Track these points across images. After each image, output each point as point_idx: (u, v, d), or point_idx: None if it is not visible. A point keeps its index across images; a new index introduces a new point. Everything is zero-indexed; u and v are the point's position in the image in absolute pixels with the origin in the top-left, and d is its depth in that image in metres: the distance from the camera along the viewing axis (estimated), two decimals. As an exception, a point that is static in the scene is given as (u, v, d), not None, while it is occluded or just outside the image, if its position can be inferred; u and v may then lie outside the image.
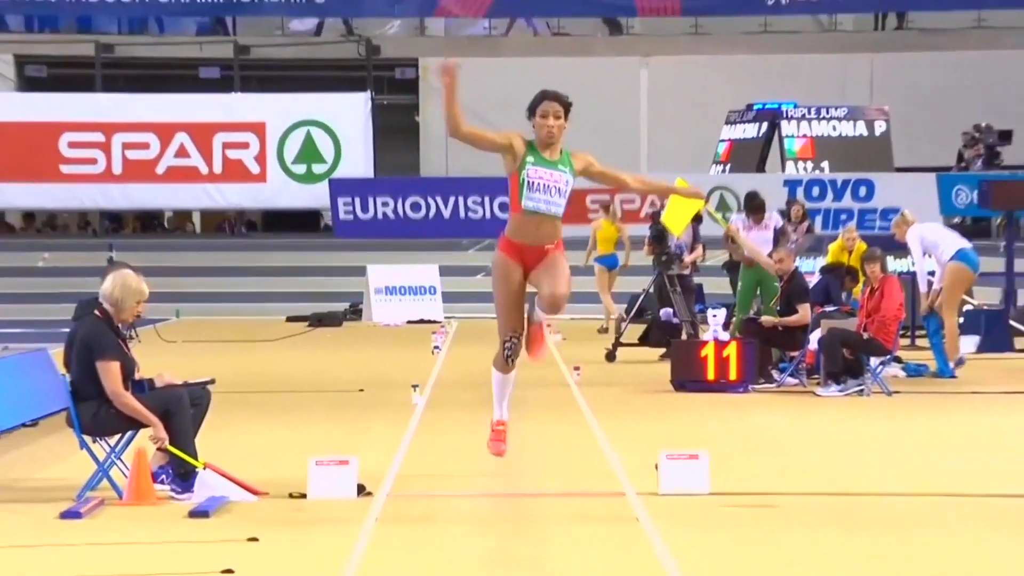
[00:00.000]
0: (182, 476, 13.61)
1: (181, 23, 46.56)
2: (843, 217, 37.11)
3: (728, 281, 29.12)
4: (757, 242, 26.49)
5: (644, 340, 27.99)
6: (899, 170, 39.44)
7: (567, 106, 12.57)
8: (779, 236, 26.64)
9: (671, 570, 10.58)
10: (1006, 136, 40.83)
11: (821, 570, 10.84)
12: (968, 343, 26.07)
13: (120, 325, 13.93)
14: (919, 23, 45.47)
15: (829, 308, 23.51)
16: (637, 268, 31.61)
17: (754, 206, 27.13)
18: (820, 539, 11.91)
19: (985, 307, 28.99)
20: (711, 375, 21.80)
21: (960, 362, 24.06)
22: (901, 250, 28.17)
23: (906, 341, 25.79)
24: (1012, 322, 28.78)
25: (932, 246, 24.64)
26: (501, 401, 13.17)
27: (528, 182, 12.36)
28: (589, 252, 32.85)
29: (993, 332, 27.96)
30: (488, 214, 39.50)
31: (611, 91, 44.31)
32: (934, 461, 16.24)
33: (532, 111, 12.56)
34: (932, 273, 24.95)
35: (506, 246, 12.70)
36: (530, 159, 12.40)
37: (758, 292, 24.36)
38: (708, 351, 21.96)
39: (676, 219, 25.66)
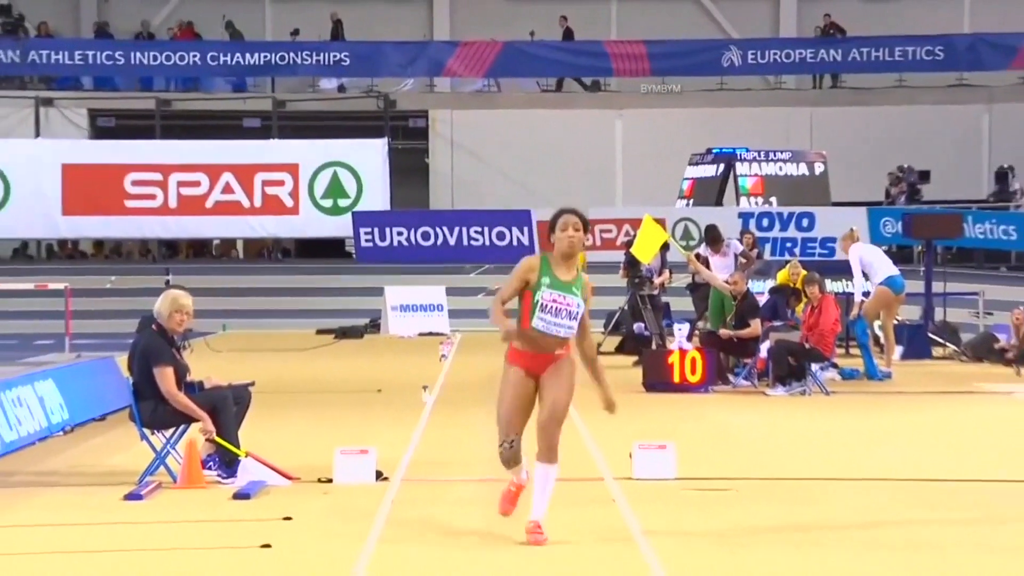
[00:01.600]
0: (227, 463, 13.64)
1: (227, 82, 46.61)
2: (788, 244, 37.12)
3: (691, 300, 29.13)
4: (719, 268, 26.73)
5: (620, 349, 28.08)
6: (835, 204, 39.40)
7: (585, 221, 11.12)
8: (739, 261, 26.85)
9: (643, 543, 10.55)
10: (925, 176, 40.90)
11: (771, 544, 10.80)
12: (895, 352, 26.09)
13: (175, 336, 14.04)
14: (851, 83, 45.60)
15: (777, 323, 23.48)
16: (613, 289, 31.59)
17: (711, 237, 27.75)
18: (770, 517, 11.87)
19: (908, 322, 28.97)
20: (677, 378, 21.83)
21: (887, 375, 24.07)
22: (837, 274, 28.23)
23: (841, 350, 25.72)
24: (930, 334, 28.77)
25: (868, 266, 25.05)
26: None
27: (541, 303, 10.79)
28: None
29: (915, 342, 27.97)
30: (488, 242, 39.50)
31: (591, 138, 44.35)
32: (865, 450, 16.22)
33: (552, 227, 11.11)
34: (867, 294, 25.16)
35: (515, 356, 11.09)
36: (545, 280, 10.86)
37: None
38: (674, 358, 22.00)
39: (644, 250, 25.91)
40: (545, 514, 10.87)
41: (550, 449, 10.94)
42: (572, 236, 10.93)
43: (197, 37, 46.23)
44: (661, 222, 36.69)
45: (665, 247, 26.70)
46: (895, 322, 26.79)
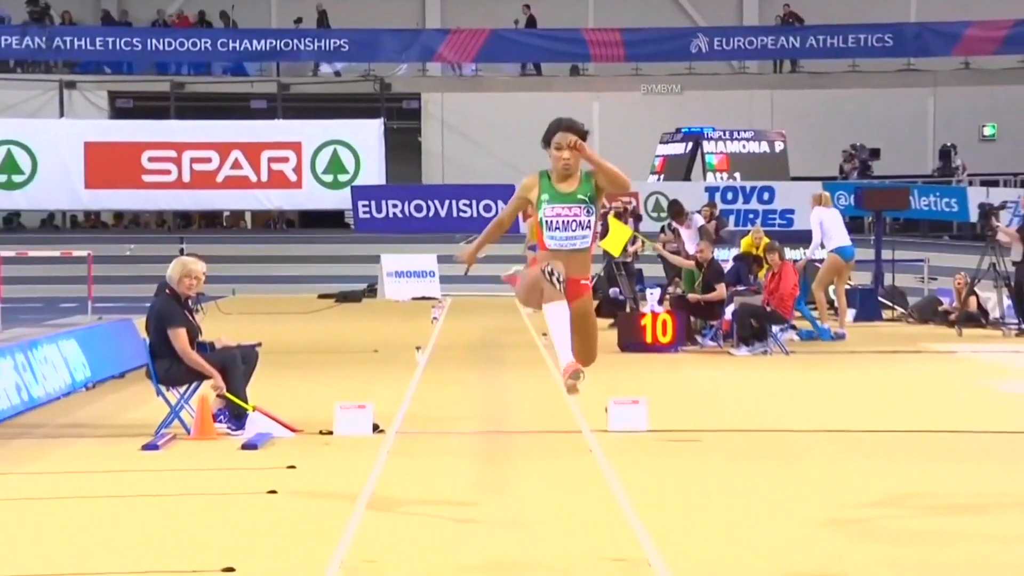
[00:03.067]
0: (236, 417, 13.63)
1: (236, 67, 46.52)
2: (751, 216, 37.12)
3: (662, 267, 29.12)
4: (688, 238, 26.85)
5: (597, 313, 27.93)
6: (794, 179, 39.42)
7: (583, 135, 9.61)
8: (703, 231, 26.93)
9: (617, 490, 10.54)
10: (875, 153, 40.95)
11: (734, 489, 10.81)
12: (848, 315, 26.11)
13: (188, 300, 14.05)
14: (808, 68, 45.60)
15: (740, 288, 23.49)
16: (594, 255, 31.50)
17: (675, 212, 27.94)
18: (734, 465, 11.89)
19: (859, 287, 28.99)
20: (649, 339, 21.83)
21: (841, 336, 24.10)
22: (795, 242, 28.25)
23: (798, 313, 25.74)
24: (880, 298, 28.80)
25: (825, 232, 25.13)
26: (564, 343, 9.61)
27: (546, 222, 9.51)
28: (528, 242, 32.86)
29: (866, 306, 27.98)
30: (475, 214, 39.52)
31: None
32: (823, 404, 16.24)
33: (547, 141, 9.64)
34: (820, 261, 25.27)
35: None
36: (545, 197, 9.54)
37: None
38: (647, 320, 21.99)
39: (613, 246, 25.95)
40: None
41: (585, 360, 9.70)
42: (567, 157, 9.50)
43: (196, 24, 46.11)
44: (634, 195, 36.97)
45: (638, 217, 26.75)
46: (847, 287, 26.82)
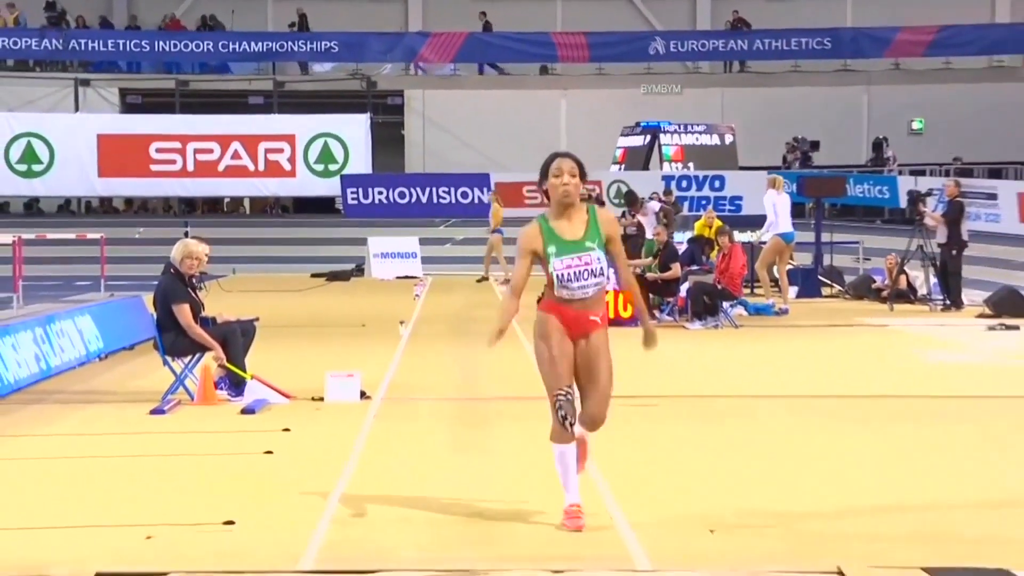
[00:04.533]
0: (236, 385, 13.61)
1: (237, 66, 46.36)
2: (703, 202, 37.12)
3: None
4: (645, 224, 26.93)
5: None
6: (742, 168, 39.47)
7: (581, 165, 8.18)
8: (659, 216, 26.99)
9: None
10: (815, 145, 41.03)
11: (688, 448, 10.82)
12: (790, 292, 26.15)
13: (192, 278, 14.01)
14: (755, 68, 45.54)
15: (694, 267, 23.49)
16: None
17: (629, 201, 28.14)
18: (688, 427, 11.90)
19: (801, 267, 29.01)
20: (611, 314, 21.72)
21: (784, 311, 24.12)
22: (744, 226, 28.27)
23: (747, 290, 25.72)
24: (820, 277, 28.82)
25: (774, 215, 25.21)
26: (567, 482, 8.22)
27: (557, 276, 8.07)
28: (492, 226, 33.02)
29: (807, 284, 28.01)
30: (454, 200, 39.58)
31: (539, 114, 44.24)
32: (770, 373, 16.24)
33: (544, 174, 8.15)
34: (764, 243, 25.33)
35: (550, 306, 8.31)
36: (552, 250, 8.06)
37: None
38: (609, 298, 21.84)
39: None
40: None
41: (594, 423, 8.33)
42: (567, 184, 8.04)
43: (200, 28, 45.97)
44: (597, 183, 36.99)
45: (601, 204, 26.70)
46: (789, 267, 26.83)
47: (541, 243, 8.11)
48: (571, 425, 8.07)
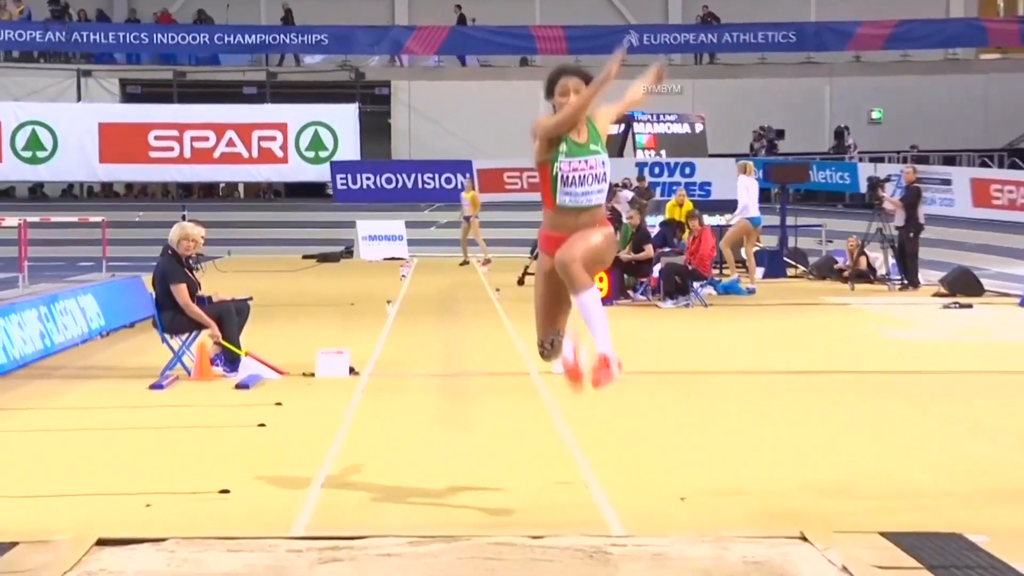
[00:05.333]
0: (231, 361, 13.58)
1: (231, 58, 46.20)
2: (674, 187, 36.96)
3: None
4: (622, 211, 26.89)
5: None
6: (711, 156, 39.46)
7: (587, 78, 7.75)
8: (634, 203, 27.02)
9: (559, 423, 10.53)
10: (780, 134, 41.06)
11: (661, 421, 10.82)
12: (757, 273, 26.18)
13: (189, 259, 13.99)
14: (724, 60, 45.54)
15: (666, 249, 23.50)
16: (538, 222, 31.63)
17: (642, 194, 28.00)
18: (661, 401, 11.89)
19: (767, 248, 29.03)
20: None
21: (751, 290, 24.14)
22: (713, 210, 28.28)
23: (716, 271, 25.72)
24: (785, 258, 28.85)
25: (747, 198, 25.39)
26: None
27: (562, 177, 7.45)
28: (465, 210, 33.17)
29: (773, 265, 28.02)
30: (438, 186, 39.60)
31: (519, 104, 43.87)
32: (737, 349, 16.27)
33: (550, 91, 7.75)
34: (729, 226, 25.43)
35: (547, 242, 7.71)
36: (563, 148, 7.50)
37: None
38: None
39: None
40: (609, 343, 7.70)
41: (572, 280, 7.48)
42: (573, 102, 7.55)
43: (197, 21, 45.82)
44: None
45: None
46: (756, 248, 26.88)
47: (557, 137, 7.53)
48: (553, 358, 7.82)
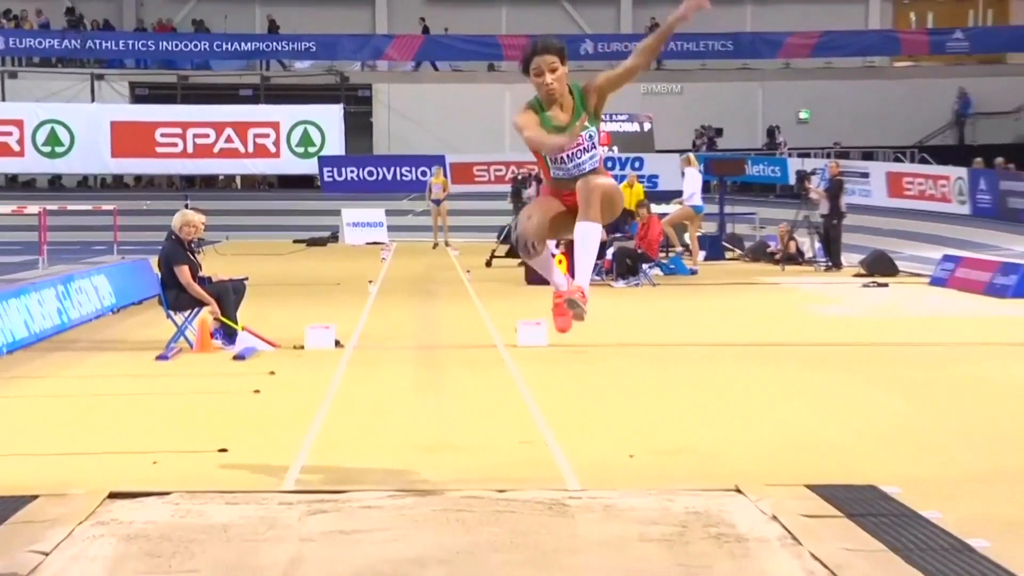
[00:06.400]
0: (228, 335, 13.54)
1: (229, 63, 45.94)
2: (626, 179, 37.17)
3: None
4: None
5: (508, 254, 27.86)
6: (658, 151, 39.47)
7: (561, 52, 6.65)
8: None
9: (523, 390, 10.54)
10: (719, 132, 41.15)
11: (616, 388, 10.83)
12: (700, 255, 26.23)
13: (191, 243, 13.94)
14: (669, 67, 45.45)
15: (618, 234, 23.49)
16: (504, 210, 31.69)
17: None
18: (615, 370, 11.91)
19: (708, 234, 29.07)
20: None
21: (694, 271, 24.19)
22: (660, 200, 28.26)
23: (663, 254, 25.74)
24: (723, 242, 28.89)
25: (690, 188, 25.54)
26: (551, 275, 7.37)
27: (550, 158, 6.77)
28: (435, 194, 33.28)
29: (713, 248, 28.04)
30: (415, 178, 39.41)
31: (487, 105, 43.98)
32: (683, 323, 16.29)
33: (526, 69, 6.72)
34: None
35: (548, 191, 7.01)
36: (544, 128, 6.67)
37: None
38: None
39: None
40: (587, 280, 7.25)
41: (590, 204, 6.74)
42: (549, 82, 6.60)
43: (172, 30, 45.57)
44: (535, 163, 36.93)
45: (539, 181, 26.56)
46: (699, 234, 26.94)
47: (537, 119, 6.71)
48: (532, 254, 6.96)
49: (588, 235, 6.82)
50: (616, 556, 5.78)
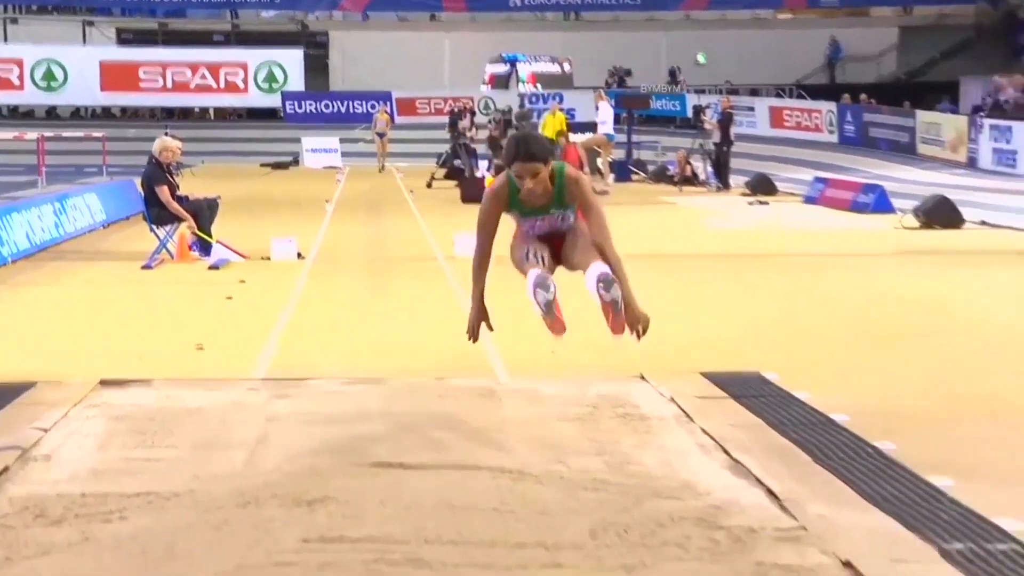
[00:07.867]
0: (204, 247, 13.41)
1: (204, 11, 45.08)
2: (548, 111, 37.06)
3: (490, 148, 28.90)
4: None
5: (446, 177, 27.69)
6: (576, 88, 39.30)
7: (545, 160, 5.41)
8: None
9: (461, 296, 10.51)
10: (629, 72, 40.92)
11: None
12: (610, 178, 26.23)
13: (170, 166, 13.74)
14: (586, 18, 45.08)
15: (540, 160, 23.42)
16: (443, 139, 31.52)
17: (521, 115, 26.81)
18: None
19: (618, 160, 29.05)
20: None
21: (606, 192, 24.17)
22: (578, 130, 28.16)
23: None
24: (630, 167, 28.90)
25: (603, 117, 25.66)
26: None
27: (523, 231, 5.83)
28: (379, 127, 33.05)
29: (622, 172, 28.06)
30: (365, 111, 38.99)
31: (429, 49, 43.49)
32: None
33: (510, 161, 5.46)
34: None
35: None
36: (515, 212, 5.71)
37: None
38: (485, 182, 21.81)
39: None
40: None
41: (605, 254, 5.96)
42: (532, 186, 5.40)
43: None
44: (470, 98, 36.75)
45: (473, 113, 26.32)
46: (610, 160, 26.92)
47: (507, 201, 5.60)
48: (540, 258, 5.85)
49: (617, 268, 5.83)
50: (538, 432, 5.82)
